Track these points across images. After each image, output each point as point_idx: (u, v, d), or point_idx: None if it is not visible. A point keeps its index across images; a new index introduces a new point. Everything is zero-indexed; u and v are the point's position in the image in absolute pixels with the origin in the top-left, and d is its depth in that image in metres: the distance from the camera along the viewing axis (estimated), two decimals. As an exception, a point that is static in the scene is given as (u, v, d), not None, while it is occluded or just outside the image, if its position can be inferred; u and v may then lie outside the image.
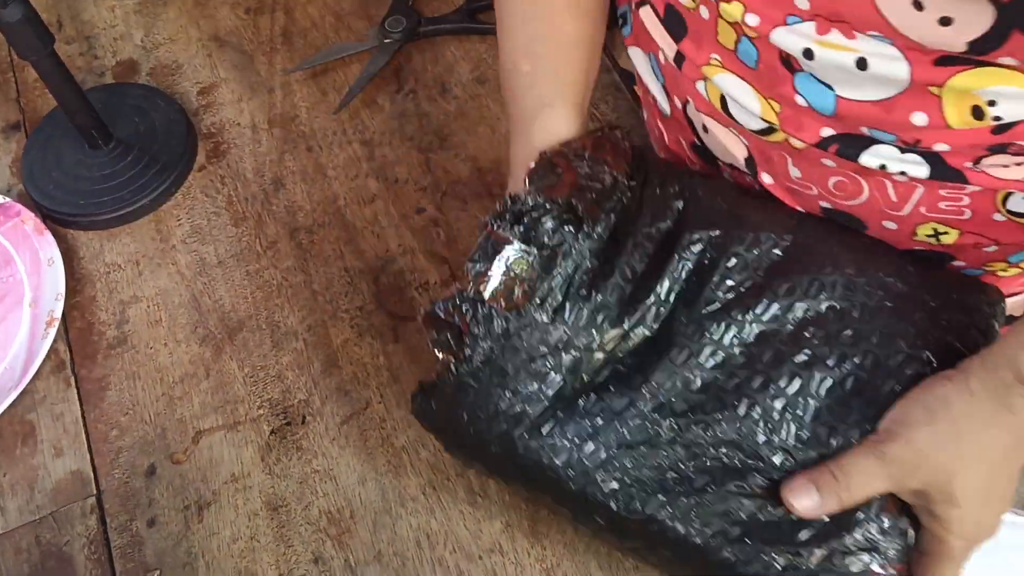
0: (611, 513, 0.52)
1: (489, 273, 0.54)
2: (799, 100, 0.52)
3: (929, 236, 0.56)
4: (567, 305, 0.53)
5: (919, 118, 0.48)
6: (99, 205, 0.79)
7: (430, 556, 0.63)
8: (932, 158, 0.50)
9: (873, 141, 0.51)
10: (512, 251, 0.54)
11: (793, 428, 0.50)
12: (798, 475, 0.48)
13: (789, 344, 0.51)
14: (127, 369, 0.72)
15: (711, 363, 0.52)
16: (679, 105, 0.62)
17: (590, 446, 0.52)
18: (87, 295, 0.76)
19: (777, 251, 0.53)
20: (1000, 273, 0.59)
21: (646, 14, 0.62)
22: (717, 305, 0.53)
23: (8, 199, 0.80)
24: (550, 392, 0.53)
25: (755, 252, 0.53)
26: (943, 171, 0.50)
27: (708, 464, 0.51)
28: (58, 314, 0.73)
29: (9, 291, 0.75)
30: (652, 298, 0.53)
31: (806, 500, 0.47)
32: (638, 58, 0.65)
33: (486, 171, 0.81)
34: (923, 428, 0.47)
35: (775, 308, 0.52)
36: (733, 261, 0.53)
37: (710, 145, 0.62)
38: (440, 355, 0.55)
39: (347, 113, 0.86)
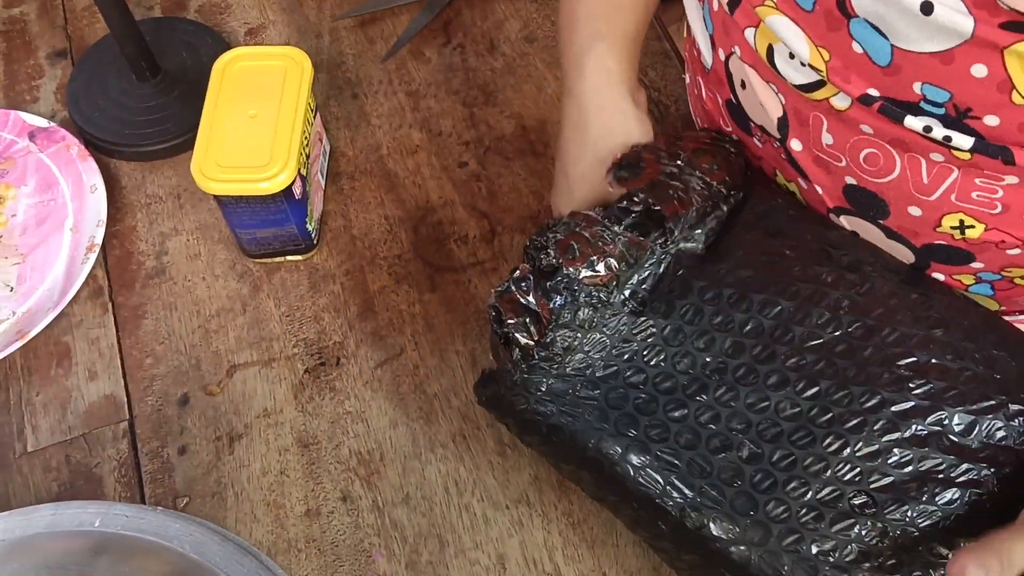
0: (675, 522, 0.51)
1: (590, 258, 0.54)
2: (855, 47, 0.51)
3: (954, 228, 0.55)
4: (656, 305, 0.53)
5: (979, 70, 0.46)
6: (143, 136, 0.79)
7: (457, 503, 0.64)
8: (978, 132, 0.49)
9: (920, 110, 0.50)
10: (597, 227, 0.54)
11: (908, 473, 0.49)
12: (968, 555, 0.45)
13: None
14: (164, 299, 0.73)
15: (807, 393, 0.51)
16: (722, 57, 0.62)
17: (666, 454, 0.52)
18: (127, 224, 0.77)
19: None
20: (1018, 281, 0.58)
21: None
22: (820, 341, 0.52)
23: (53, 124, 0.80)
24: (630, 391, 0.53)
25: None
26: (987, 146, 0.49)
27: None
28: (99, 240, 0.73)
29: (51, 213, 0.76)
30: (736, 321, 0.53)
31: None
32: (691, 7, 0.66)
33: (530, 129, 0.81)
34: None
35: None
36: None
37: (745, 103, 0.62)
38: (522, 339, 0.54)
39: (394, 63, 0.86)
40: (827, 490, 0.48)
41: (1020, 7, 0.43)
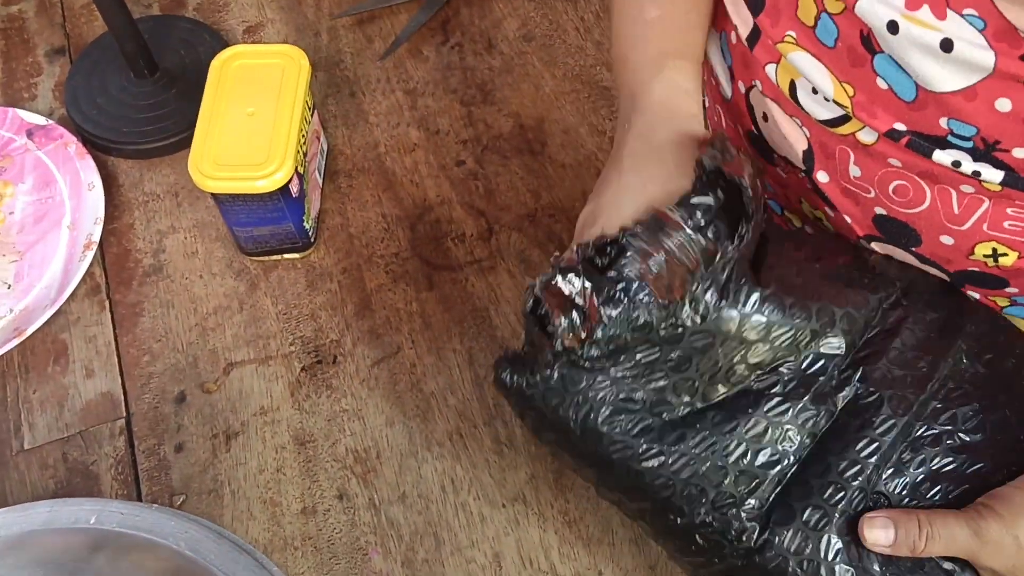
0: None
1: (654, 255, 0.49)
2: (879, 83, 0.50)
3: (987, 256, 0.54)
4: (713, 313, 0.49)
5: (1004, 104, 0.46)
6: (141, 134, 0.79)
7: (454, 501, 0.64)
8: (1008, 164, 0.48)
9: (948, 144, 0.49)
10: (682, 237, 0.49)
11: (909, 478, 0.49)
12: (883, 509, 0.48)
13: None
14: (161, 297, 0.73)
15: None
16: (742, 89, 0.61)
17: (687, 468, 0.50)
18: (125, 222, 0.77)
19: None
20: None
21: None
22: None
23: (51, 122, 0.80)
24: (675, 402, 0.50)
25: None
26: (1017, 179, 0.48)
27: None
28: (96, 238, 0.73)
29: (49, 211, 0.76)
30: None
31: (880, 532, 0.47)
32: (708, 36, 0.64)
33: (528, 128, 0.81)
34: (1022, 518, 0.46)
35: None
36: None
37: (768, 135, 0.61)
38: (567, 337, 0.50)
39: (392, 61, 0.86)
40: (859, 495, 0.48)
41: None
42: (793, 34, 0.54)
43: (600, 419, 0.51)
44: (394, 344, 0.70)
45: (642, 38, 0.60)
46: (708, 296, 0.49)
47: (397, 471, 0.65)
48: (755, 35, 0.57)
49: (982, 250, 0.54)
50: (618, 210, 0.53)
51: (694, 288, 0.49)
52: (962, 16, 0.45)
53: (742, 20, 0.58)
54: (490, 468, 0.65)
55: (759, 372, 0.51)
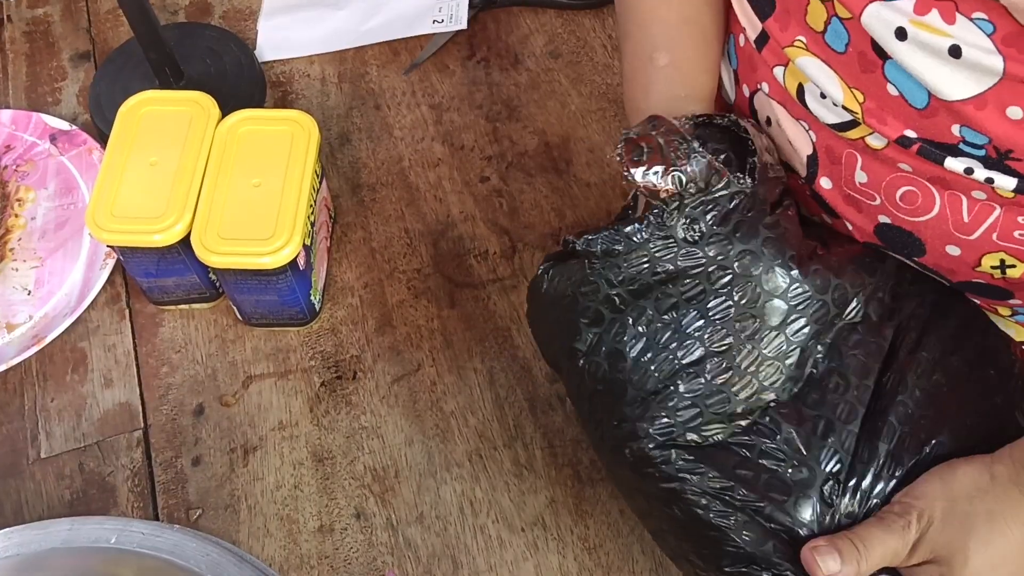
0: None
1: (655, 165, 0.51)
2: (890, 89, 0.50)
3: (994, 267, 0.53)
4: (721, 241, 0.51)
5: (1015, 112, 0.46)
6: (164, 142, 0.79)
7: (472, 523, 0.63)
8: (1022, 173, 0.48)
9: (960, 152, 0.49)
10: (685, 151, 0.51)
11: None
12: (822, 539, 0.49)
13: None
14: (181, 308, 0.72)
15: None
16: (746, 93, 0.60)
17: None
18: (146, 230, 0.76)
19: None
20: None
21: None
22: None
23: (75, 127, 0.80)
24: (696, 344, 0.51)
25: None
26: None
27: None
28: (118, 246, 0.72)
29: (71, 218, 0.75)
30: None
31: (831, 563, 0.48)
32: None
33: (553, 146, 0.81)
34: (939, 503, 0.48)
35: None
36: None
37: (771, 139, 0.60)
38: (646, 176, 0.51)
39: (417, 75, 0.85)
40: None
41: None
42: (803, 39, 0.53)
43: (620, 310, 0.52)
44: (415, 361, 0.70)
45: (653, 84, 0.60)
46: (708, 216, 0.50)
47: (415, 491, 0.65)
48: (763, 39, 0.57)
49: (989, 261, 0.53)
50: None
51: (689, 195, 0.50)
52: (971, 20, 0.44)
53: (749, 23, 0.58)
54: (509, 491, 0.64)
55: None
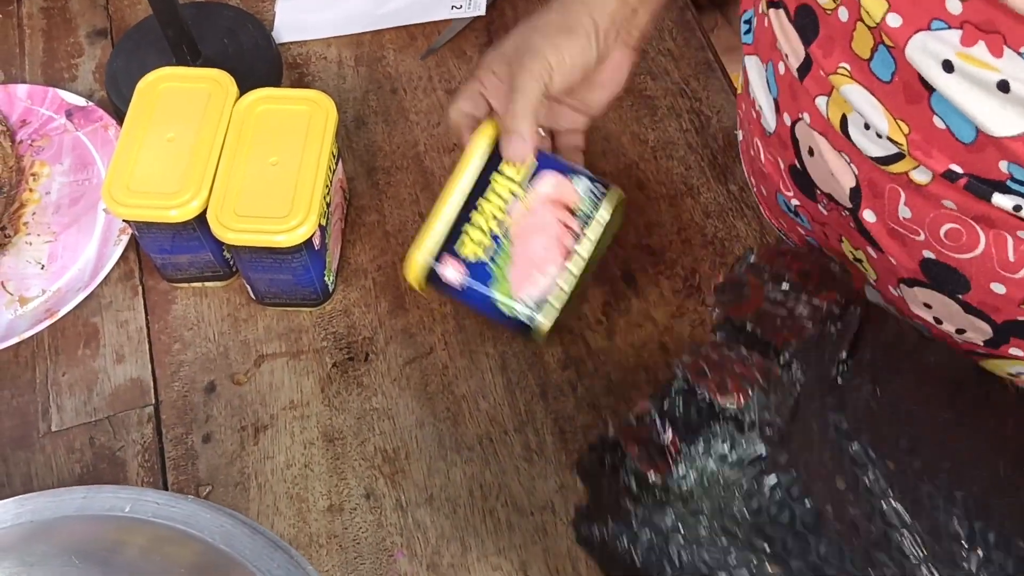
0: None
1: (723, 381, 0.48)
2: (936, 122, 0.48)
3: None
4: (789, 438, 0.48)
5: None
6: (180, 120, 0.79)
7: (481, 506, 0.63)
8: None
9: (1008, 189, 0.47)
10: (737, 356, 0.49)
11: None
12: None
13: None
14: (194, 286, 0.72)
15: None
16: (787, 122, 0.59)
17: None
18: (160, 208, 0.76)
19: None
20: None
21: (776, 16, 0.58)
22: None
23: (91, 103, 0.80)
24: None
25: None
26: None
27: None
28: (132, 223, 0.72)
29: (85, 193, 0.75)
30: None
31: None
32: (753, 68, 0.63)
33: (569, 134, 0.81)
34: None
35: None
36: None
37: (812, 170, 0.59)
38: (650, 476, 0.48)
39: (434, 60, 0.85)
40: None
41: None
42: (847, 66, 0.51)
43: (693, 552, 0.49)
44: (427, 344, 0.70)
45: None
46: (778, 417, 0.47)
47: (426, 473, 0.65)
48: (806, 66, 0.55)
49: None
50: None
51: (758, 398, 0.47)
52: (1019, 54, 0.43)
53: (792, 50, 0.56)
54: (519, 475, 0.64)
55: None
